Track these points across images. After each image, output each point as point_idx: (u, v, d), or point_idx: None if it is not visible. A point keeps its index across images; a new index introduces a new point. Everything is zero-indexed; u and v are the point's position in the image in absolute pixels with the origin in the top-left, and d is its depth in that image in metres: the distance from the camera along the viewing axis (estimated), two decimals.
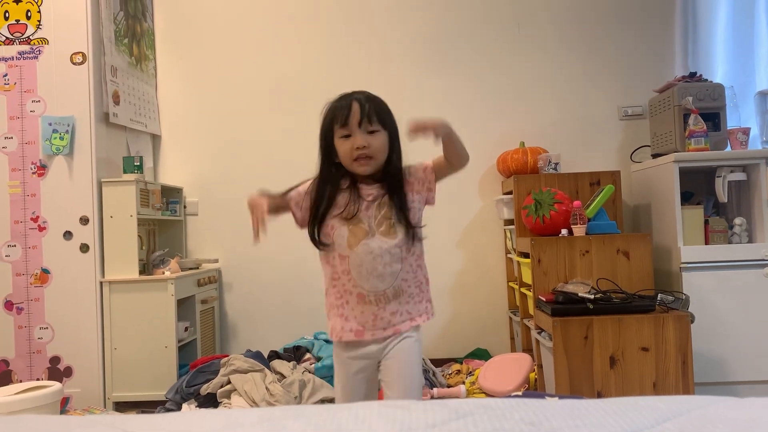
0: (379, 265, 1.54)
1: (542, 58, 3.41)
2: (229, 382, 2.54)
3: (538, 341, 2.52)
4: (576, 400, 0.88)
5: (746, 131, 2.84)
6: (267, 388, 2.46)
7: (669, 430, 0.74)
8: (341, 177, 1.58)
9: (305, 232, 1.61)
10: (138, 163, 2.94)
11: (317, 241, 1.58)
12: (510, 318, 3.33)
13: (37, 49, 2.83)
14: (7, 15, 2.83)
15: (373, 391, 1.66)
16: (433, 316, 1.65)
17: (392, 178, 1.58)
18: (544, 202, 2.65)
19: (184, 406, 2.56)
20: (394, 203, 1.56)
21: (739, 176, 2.72)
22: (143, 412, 2.69)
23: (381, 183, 1.58)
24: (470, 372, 2.95)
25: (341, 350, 1.63)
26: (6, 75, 2.83)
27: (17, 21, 2.83)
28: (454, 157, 1.58)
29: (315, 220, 1.57)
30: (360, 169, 1.54)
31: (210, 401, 2.54)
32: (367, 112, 1.51)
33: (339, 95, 1.58)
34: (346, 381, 1.63)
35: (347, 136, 1.52)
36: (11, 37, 2.83)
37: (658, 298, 2.33)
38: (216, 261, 3.40)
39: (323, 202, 1.57)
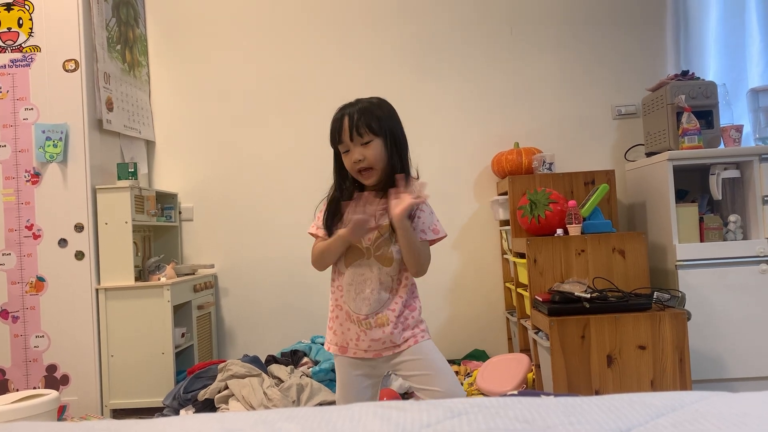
0: (366, 288, 1.55)
1: (535, 58, 3.42)
2: (226, 388, 2.53)
3: (535, 341, 2.52)
4: (570, 398, 0.88)
5: (739, 128, 2.85)
6: (265, 393, 2.45)
7: (663, 425, 0.74)
8: (353, 188, 1.62)
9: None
10: (132, 170, 2.94)
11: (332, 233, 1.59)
12: (507, 318, 3.33)
13: (30, 57, 2.83)
14: None
15: (375, 390, 1.67)
16: (425, 338, 1.59)
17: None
18: (539, 203, 2.65)
19: (182, 412, 2.55)
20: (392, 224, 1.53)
21: (733, 173, 2.73)
22: (141, 419, 2.68)
23: (385, 199, 1.55)
24: (468, 373, 2.95)
25: (338, 358, 1.64)
26: None
27: (9, 29, 2.83)
28: (404, 250, 1.52)
29: (326, 224, 1.60)
30: (365, 181, 1.57)
31: (208, 407, 2.53)
32: (356, 124, 1.52)
33: (338, 108, 1.59)
34: (346, 382, 1.64)
35: (348, 151, 1.56)
36: (3, 45, 2.83)
37: (654, 297, 2.33)
38: (212, 266, 3.39)
39: (333, 210, 1.60)
